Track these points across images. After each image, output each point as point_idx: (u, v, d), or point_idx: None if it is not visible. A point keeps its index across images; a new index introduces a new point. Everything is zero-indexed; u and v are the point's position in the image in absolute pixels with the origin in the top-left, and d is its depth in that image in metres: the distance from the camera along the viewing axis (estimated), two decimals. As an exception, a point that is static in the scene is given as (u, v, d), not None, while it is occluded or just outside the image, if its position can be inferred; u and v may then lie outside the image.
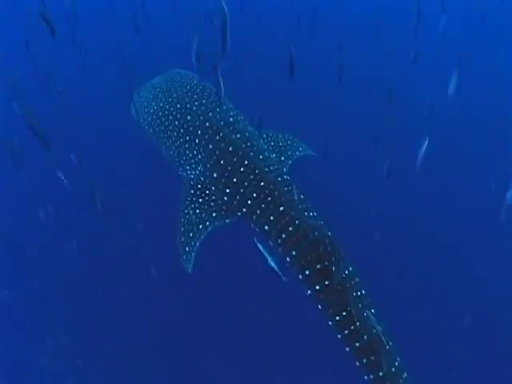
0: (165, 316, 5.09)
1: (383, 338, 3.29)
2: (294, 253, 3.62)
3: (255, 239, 3.81)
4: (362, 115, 6.69)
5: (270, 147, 4.69)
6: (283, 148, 4.81)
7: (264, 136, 4.71)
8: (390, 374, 3.29)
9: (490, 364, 4.74)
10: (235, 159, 3.99)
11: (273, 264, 3.82)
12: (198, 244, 3.98)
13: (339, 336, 3.43)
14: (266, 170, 3.92)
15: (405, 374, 3.35)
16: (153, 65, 5.32)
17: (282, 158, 4.71)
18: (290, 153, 4.81)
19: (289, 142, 4.90)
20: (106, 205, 4.52)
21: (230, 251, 4.85)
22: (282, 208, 3.71)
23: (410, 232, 5.75)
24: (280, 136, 4.86)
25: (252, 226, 4.00)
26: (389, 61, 6.96)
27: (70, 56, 6.56)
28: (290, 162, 4.75)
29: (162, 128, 4.46)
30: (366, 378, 3.34)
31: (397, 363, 3.33)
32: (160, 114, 4.50)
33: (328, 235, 3.58)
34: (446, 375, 4.36)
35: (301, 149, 4.97)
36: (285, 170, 4.51)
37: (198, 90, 4.55)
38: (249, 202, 3.89)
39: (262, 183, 3.83)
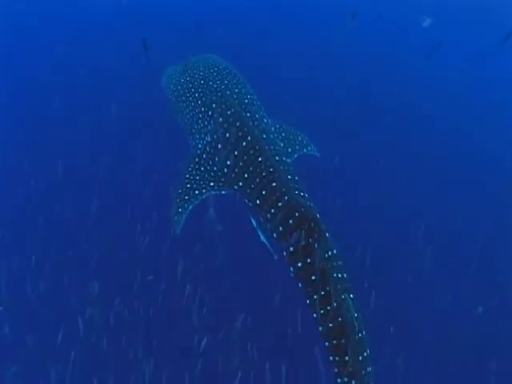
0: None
1: (356, 324, 3.24)
2: (280, 228, 3.66)
3: (250, 215, 3.92)
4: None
5: (280, 137, 4.83)
6: (292, 141, 4.94)
7: (277, 126, 4.87)
8: (355, 362, 3.19)
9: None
10: (240, 133, 4.16)
11: (264, 240, 3.90)
12: (190, 208, 4.16)
13: (314, 315, 3.39)
14: (266, 147, 4.06)
15: (369, 368, 3.24)
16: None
17: (289, 150, 4.83)
18: (297, 147, 4.94)
19: (299, 138, 5.03)
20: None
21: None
22: (274, 184, 3.80)
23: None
24: (292, 130, 5.01)
25: (246, 200, 4.10)
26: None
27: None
28: (295, 155, 4.87)
29: (183, 98, 4.85)
30: (331, 358, 3.27)
31: (365, 354, 3.24)
32: (184, 86, 4.93)
33: (314, 214, 3.59)
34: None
35: (309, 148, 5.10)
36: (289, 160, 4.61)
37: (223, 73, 4.92)
38: (245, 175, 4.02)
39: (260, 159, 3.96)
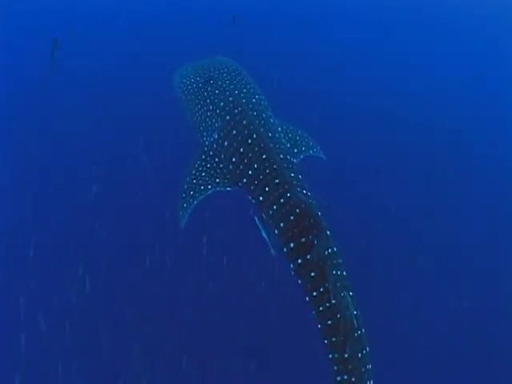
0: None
1: (355, 321, 3.23)
2: (282, 225, 3.67)
3: (255, 213, 3.97)
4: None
5: (287, 137, 4.87)
6: (298, 143, 4.97)
7: (284, 127, 4.91)
8: (354, 359, 3.17)
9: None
10: (246, 131, 4.24)
11: (265, 236, 3.93)
12: (195, 203, 4.22)
13: (313, 313, 3.39)
14: (271, 145, 4.12)
15: (369, 366, 3.21)
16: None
17: (295, 151, 4.86)
18: (303, 148, 4.96)
19: (305, 140, 5.06)
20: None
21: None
22: (277, 181, 3.84)
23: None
24: (299, 132, 5.04)
25: (249, 197, 4.15)
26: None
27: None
28: (301, 156, 4.90)
29: (193, 97, 4.97)
30: (330, 356, 3.24)
31: (364, 351, 3.22)
32: (194, 85, 5.05)
33: (315, 211, 3.61)
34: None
35: (315, 150, 5.13)
36: (294, 160, 4.64)
37: (233, 74, 5.03)
38: (250, 172, 4.07)
39: (264, 156, 4.02)
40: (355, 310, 3.29)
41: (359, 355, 3.18)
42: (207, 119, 4.69)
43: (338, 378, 3.20)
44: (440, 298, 5.20)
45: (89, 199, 6.02)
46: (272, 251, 3.88)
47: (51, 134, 6.82)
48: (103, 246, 5.64)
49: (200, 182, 4.32)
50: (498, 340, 5.15)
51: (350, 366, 3.16)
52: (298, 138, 4.97)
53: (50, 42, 8.04)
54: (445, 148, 7.64)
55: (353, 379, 3.14)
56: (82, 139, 6.76)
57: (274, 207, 3.77)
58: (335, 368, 3.23)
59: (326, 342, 3.30)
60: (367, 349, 3.24)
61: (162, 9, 9.97)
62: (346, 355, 3.17)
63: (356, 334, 3.21)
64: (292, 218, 3.59)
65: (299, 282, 3.52)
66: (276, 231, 3.75)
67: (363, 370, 3.17)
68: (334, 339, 3.24)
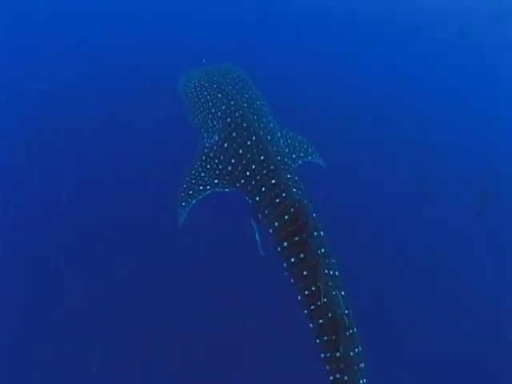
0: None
1: (347, 320, 3.24)
2: (276, 224, 3.74)
3: (251, 214, 4.04)
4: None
5: (286, 142, 4.93)
6: (297, 148, 5.02)
7: (284, 132, 4.99)
8: (347, 358, 3.17)
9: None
10: (245, 133, 4.33)
11: (257, 237, 4.00)
12: (193, 202, 4.30)
13: (305, 311, 3.41)
14: (269, 147, 4.20)
15: (362, 365, 3.21)
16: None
17: (294, 156, 4.90)
18: (302, 154, 5.00)
19: (305, 146, 5.10)
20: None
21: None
22: (273, 181, 3.91)
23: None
24: (299, 138, 5.11)
25: (246, 198, 4.23)
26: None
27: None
28: (299, 162, 4.94)
29: (196, 100, 5.11)
30: (322, 355, 3.25)
31: (357, 350, 3.22)
32: (198, 89, 5.20)
33: (310, 211, 3.66)
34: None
35: (314, 156, 5.17)
36: (293, 165, 4.68)
37: (236, 80, 5.18)
38: (247, 173, 4.16)
39: (262, 157, 4.11)
40: (347, 309, 3.31)
41: (351, 354, 3.19)
42: (208, 121, 4.81)
43: (331, 378, 3.19)
44: (438, 298, 5.21)
45: (88, 199, 6.10)
46: (261, 252, 3.95)
47: (51, 134, 6.90)
48: (102, 246, 5.69)
49: (199, 182, 4.41)
50: (497, 341, 5.14)
51: (342, 365, 3.15)
52: (297, 143, 5.03)
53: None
54: (445, 148, 7.67)
55: (345, 378, 3.13)
56: (82, 139, 6.85)
57: (270, 207, 3.84)
58: (327, 367, 3.22)
59: (317, 341, 3.31)
60: (359, 348, 3.24)
61: (163, 9, 10.00)
62: (337, 354, 3.17)
63: (348, 333, 3.22)
64: (286, 217, 3.66)
65: (291, 280, 3.56)
66: (271, 230, 3.82)
67: (356, 368, 3.17)
68: (325, 338, 3.25)
